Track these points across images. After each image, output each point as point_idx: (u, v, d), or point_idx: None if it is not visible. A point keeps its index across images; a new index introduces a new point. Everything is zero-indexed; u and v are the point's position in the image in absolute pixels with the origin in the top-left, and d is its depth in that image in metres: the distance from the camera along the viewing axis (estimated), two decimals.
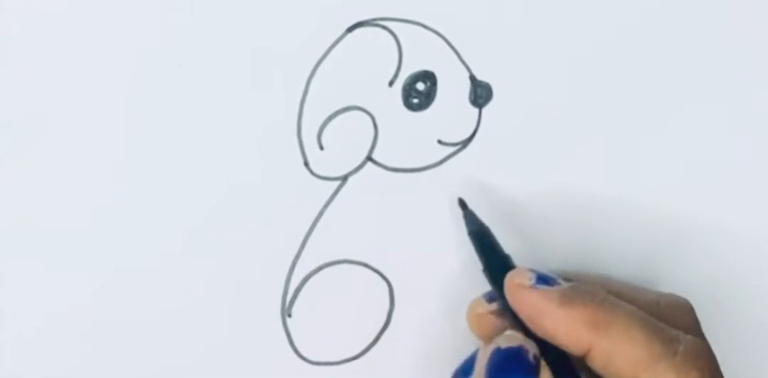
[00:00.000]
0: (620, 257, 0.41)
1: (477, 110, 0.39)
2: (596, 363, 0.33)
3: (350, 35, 0.38)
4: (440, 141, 0.39)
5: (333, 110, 0.38)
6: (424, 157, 0.39)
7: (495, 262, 0.36)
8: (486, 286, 0.37)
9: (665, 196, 0.41)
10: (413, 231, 0.39)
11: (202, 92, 0.38)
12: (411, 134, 0.39)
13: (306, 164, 0.38)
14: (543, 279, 0.34)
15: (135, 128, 0.37)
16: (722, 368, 0.34)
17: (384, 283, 0.39)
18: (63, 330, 0.38)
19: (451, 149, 0.39)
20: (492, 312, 0.36)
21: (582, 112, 0.40)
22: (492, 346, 0.34)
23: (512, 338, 0.34)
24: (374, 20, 0.38)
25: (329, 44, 0.38)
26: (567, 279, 0.35)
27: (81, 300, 0.37)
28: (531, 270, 0.35)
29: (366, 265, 0.39)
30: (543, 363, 0.33)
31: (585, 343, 0.33)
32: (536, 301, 0.33)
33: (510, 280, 0.35)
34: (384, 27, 0.38)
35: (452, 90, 0.39)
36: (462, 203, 0.38)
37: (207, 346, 0.38)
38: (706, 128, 0.41)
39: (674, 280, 0.40)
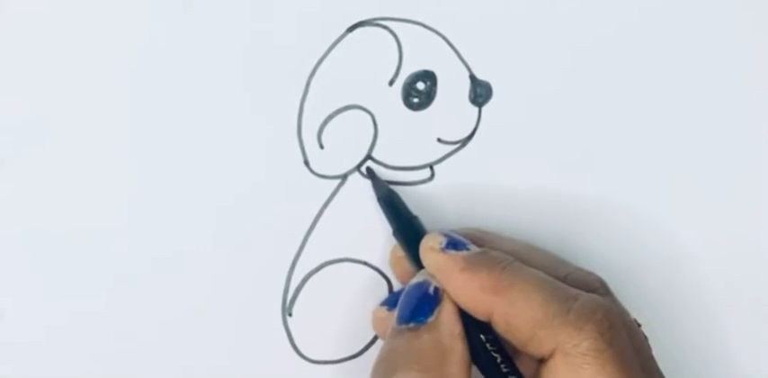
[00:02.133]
0: (617, 255, 0.41)
1: (476, 109, 0.39)
2: (499, 327, 0.34)
3: (350, 35, 0.38)
4: (439, 140, 0.39)
5: (333, 109, 0.38)
6: (424, 155, 0.39)
7: (404, 224, 0.37)
8: None
9: (664, 195, 0.41)
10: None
11: (203, 91, 0.38)
12: (411, 133, 0.39)
13: (306, 163, 0.38)
14: (453, 244, 0.35)
15: (135, 128, 0.37)
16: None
17: (384, 282, 0.39)
18: (63, 330, 0.38)
19: (451, 148, 0.39)
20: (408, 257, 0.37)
21: (581, 111, 0.40)
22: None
23: (419, 276, 0.36)
24: (374, 19, 0.39)
25: (330, 44, 0.38)
26: (479, 245, 0.36)
27: (81, 299, 0.38)
28: (445, 234, 0.36)
29: (366, 264, 0.39)
30: (447, 297, 0.34)
31: (486, 307, 0.33)
32: (442, 265, 0.35)
33: (424, 243, 0.36)
34: (384, 27, 0.39)
35: (452, 89, 0.39)
36: (370, 172, 0.39)
37: (207, 345, 0.38)
38: (707, 127, 0.41)
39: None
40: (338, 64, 0.38)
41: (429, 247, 0.35)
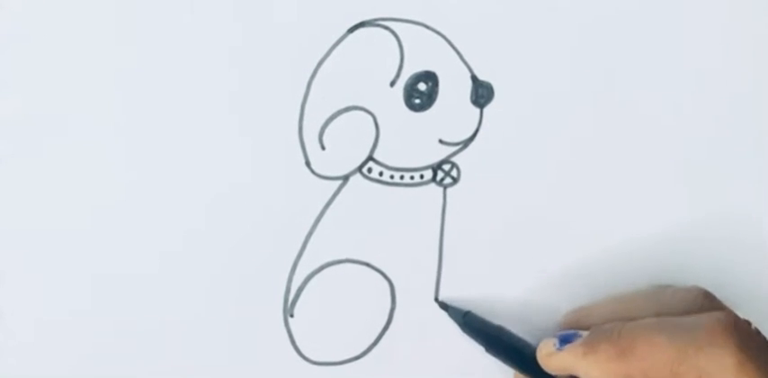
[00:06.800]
0: (623, 256, 0.41)
1: (478, 110, 0.39)
2: None
3: (351, 35, 0.38)
4: (441, 141, 0.39)
5: (334, 110, 0.38)
6: (426, 156, 0.39)
7: (495, 339, 0.39)
8: (487, 294, 0.39)
9: (665, 195, 0.41)
10: (414, 231, 0.39)
11: (204, 92, 0.38)
12: (412, 134, 0.39)
13: (307, 163, 0.38)
14: (565, 339, 0.37)
15: (136, 129, 0.37)
16: None
17: (386, 283, 0.39)
18: (63, 330, 0.38)
19: (453, 149, 0.39)
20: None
21: (582, 112, 0.40)
22: None
23: None
24: (376, 20, 0.38)
25: (331, 44, 0.38)
26: (583, 324, 0.37)
27: (81, 300, 0.38)
28: (553, 336, 0.37)
29: (368, 265, 0.39)
30: None
31: (623, 373, 0.35)
32: (566, 361, 0.36)
33: (539, 352, 0.37)
34: (386, 27, 0.39)
35: (454, 90, 0.39)
36: (443, 305, 0.39)
37: (209, 346, 0.38)
38: (707, 126, 0.41)
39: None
40: (339, 65, 0.38)
41: (547, 354, 0.37)
